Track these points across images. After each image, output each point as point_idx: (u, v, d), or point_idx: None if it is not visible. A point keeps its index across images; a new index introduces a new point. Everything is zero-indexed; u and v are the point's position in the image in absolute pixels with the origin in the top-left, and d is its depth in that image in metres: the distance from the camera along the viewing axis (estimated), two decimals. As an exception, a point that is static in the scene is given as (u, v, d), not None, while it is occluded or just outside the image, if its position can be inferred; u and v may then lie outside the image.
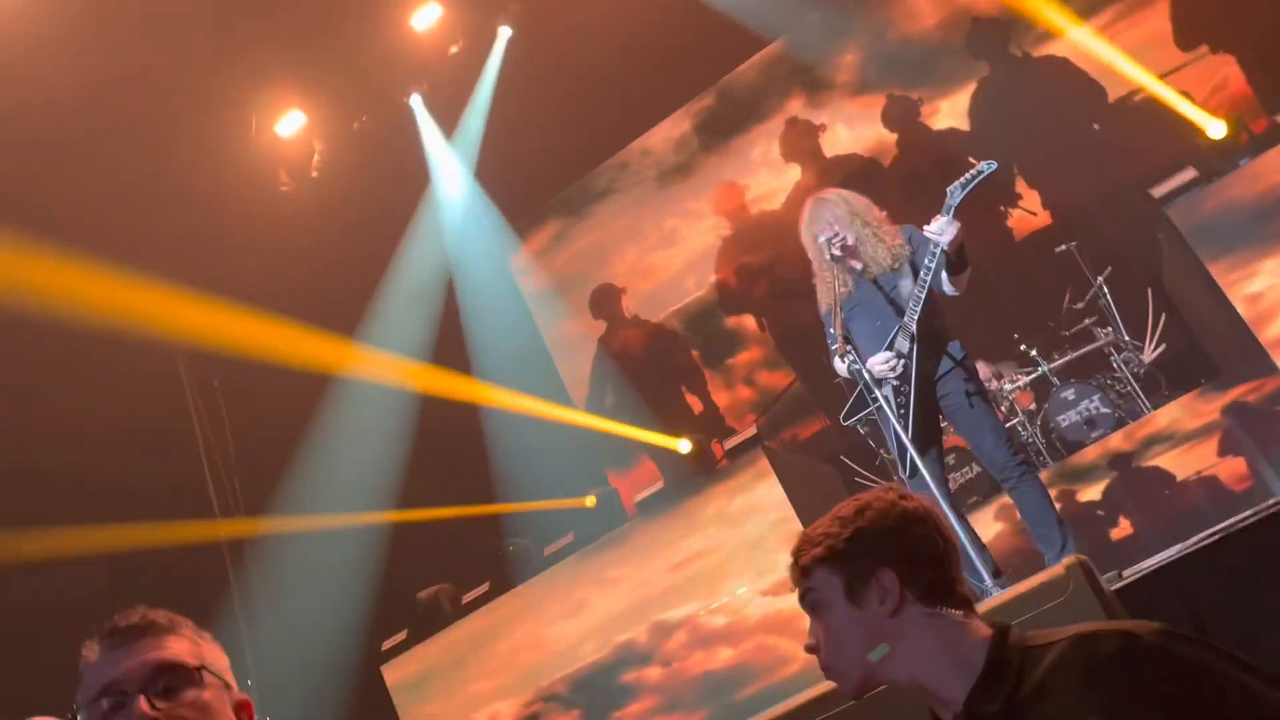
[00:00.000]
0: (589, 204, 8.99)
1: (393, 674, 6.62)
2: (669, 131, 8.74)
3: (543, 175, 8.59)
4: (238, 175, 7.47)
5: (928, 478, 3.40)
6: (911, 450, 3.47)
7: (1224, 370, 6.11)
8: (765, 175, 8.43)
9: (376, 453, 7.80)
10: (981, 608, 1.97)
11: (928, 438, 3.63)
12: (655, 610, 6.21)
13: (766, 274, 8.16)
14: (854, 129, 8.18)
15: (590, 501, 7.17)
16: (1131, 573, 2.97)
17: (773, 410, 7.93)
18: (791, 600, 5.81)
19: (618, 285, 8.79)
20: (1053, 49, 7.66)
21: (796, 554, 1.61)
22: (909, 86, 8.02)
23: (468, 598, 6.87)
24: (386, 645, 6.74)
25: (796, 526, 5.97)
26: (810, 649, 1.60)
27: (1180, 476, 5.61)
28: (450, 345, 8.20)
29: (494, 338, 8.41)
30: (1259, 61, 7.08)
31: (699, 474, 6.97)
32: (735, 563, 6.10)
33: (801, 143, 8.26)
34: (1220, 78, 7.16)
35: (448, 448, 7.95)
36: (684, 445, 7.27)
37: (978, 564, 3.34)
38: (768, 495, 6.12)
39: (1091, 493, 5.76)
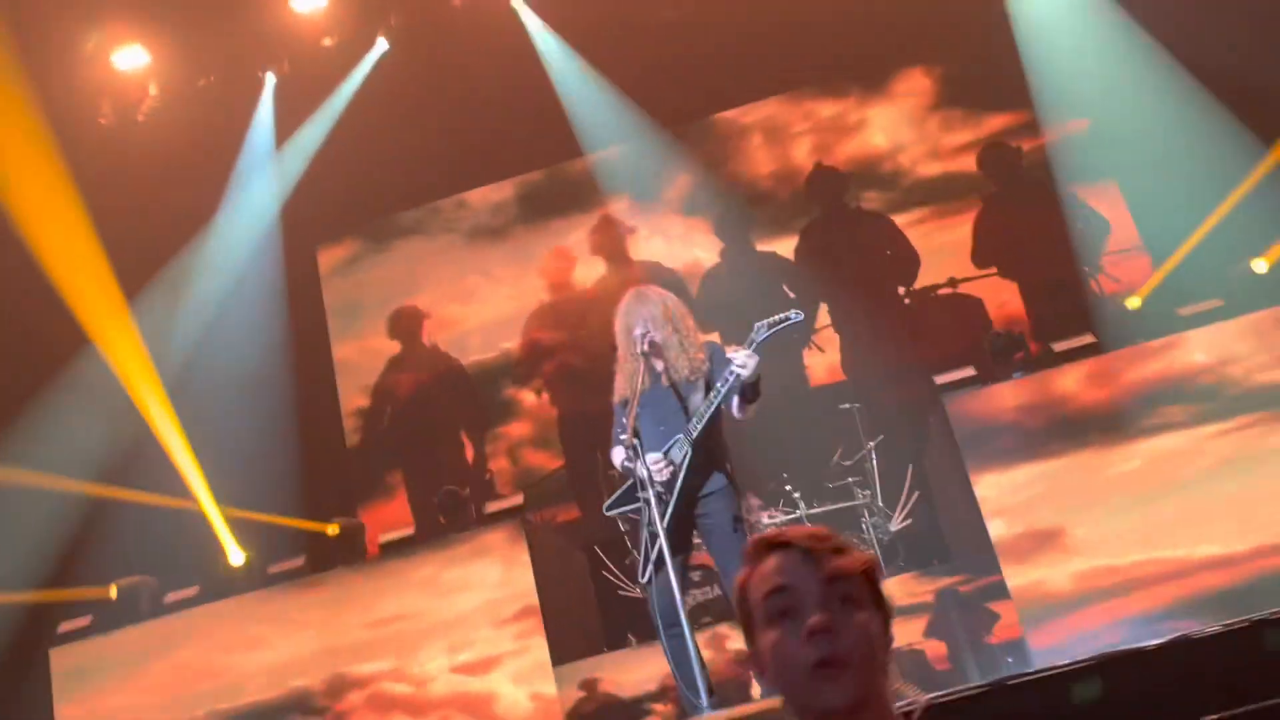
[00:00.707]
0: (392, 237, 8.88)
1: (61, 659, 6.07)
2: (491, 194, 8.82)
3: (359, 193, 8.40)
4: (57, 90, 6.93)
5: (673, 581, 3.47)
6: (660, 552, 3.54)
7: (954, 557, 6.55)
8: (577, 263, 8.59)
9: (114, 423, 7.25)
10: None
11: (675, 547, 3.68)
12: (341, 663, 6.01)
13: (561, 353, 8.24)
14: (671, 244, 8.47)
15: (332, 530, 6.86)
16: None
17: (537, 487, 7.90)
18: (481, 683, 5.81)
19: (421, 309, 8.66)
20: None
21: (838, 548, 1.47)
22: (739, 219, 8.40)
23: (171, 598, 6.41)
24: (64, 628, 6.17)
25: (503, 612, 5.98)
26: (821, 627, 1.41)
27: (912, 644, 5.93)
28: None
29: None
30: (1034, 294, 7.87)
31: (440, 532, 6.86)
32: (433, 633, 5.99)
33: (608, 240, 8.49)
34: (1004, 298, 7.90)
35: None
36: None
37: (698, 679, 3.40)
38: (482, 574, 6.10)
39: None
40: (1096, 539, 5.52)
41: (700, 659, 3.59)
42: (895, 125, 8.42)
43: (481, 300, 8.60)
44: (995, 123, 8.20)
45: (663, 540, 3.56)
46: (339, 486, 8.15)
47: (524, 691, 5.90)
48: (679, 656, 3.59)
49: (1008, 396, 6.03)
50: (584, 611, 7.02)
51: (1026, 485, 5.72)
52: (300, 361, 8.10)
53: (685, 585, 3.80)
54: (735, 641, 5.61)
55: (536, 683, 5.89)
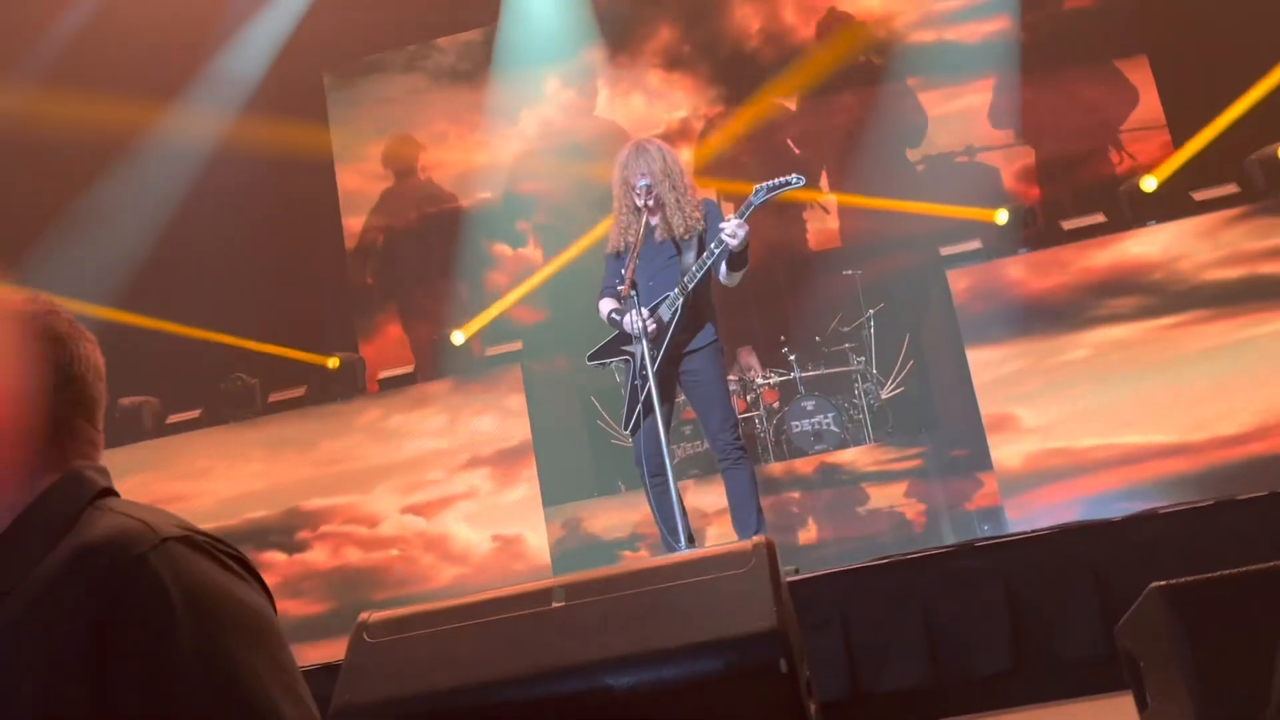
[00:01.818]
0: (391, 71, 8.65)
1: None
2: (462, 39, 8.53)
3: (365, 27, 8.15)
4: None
5: (660, 430, 3.57)
6: (644, 403, 3.63)
7: (942, 426, 6.67)
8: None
9: (126, 248, 7.29)
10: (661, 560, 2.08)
11: (660, 400, 3.75)
12: (299, 497, 6.26)
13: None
14: (652, 101, 8.25)
15: (333, 363, 6.97)
16: (807, 572, 3.22)
17: (532, 335, 7.95)
18: (433, 525, 6.06)
19: (418, 139, 8.53)
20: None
21: None
22: (728, 73, 8.16)
23: (174, 418, 6.57)
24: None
25: (456, 460, 6.19)
26: None
27: (872, 504, 6.11)
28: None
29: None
30: (1050, 165, 7.68)
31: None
32: (389, 474, 6.24)
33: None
34: (1021, 165, 7.73)
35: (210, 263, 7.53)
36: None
37: (679, 525, 3.53)
38: (480, 415, 6.26)
39: (794, 495, 6.17)
40: (1073, 419, 5.62)
41: (682, 506, 3.70)
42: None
43: (454, 146, 8.44)
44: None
45: (653, 388, 3.62)
46: (338, 321, 8.21)
47: (516, 528, 6.13)
48: (662, 503, 3.70)
49: (1010, 272, 6.03)
50: (577, 456, 7.21)
51: (1015, 360, 5.79)
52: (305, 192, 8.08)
53: (670, 436, 3.87)
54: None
55: (524, 520, 6.11)
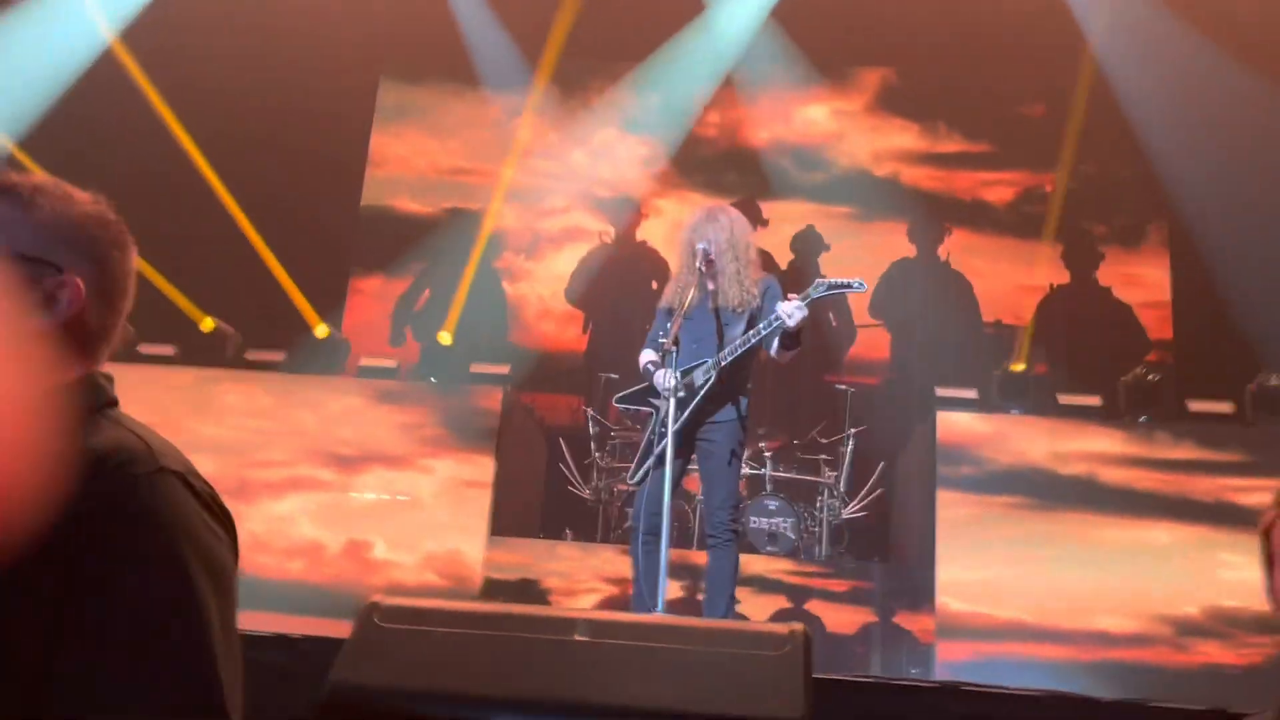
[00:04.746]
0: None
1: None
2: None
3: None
4: None
5: (665, 492, 3.54)
6: (656, 459, 3.62)
7: (893, 560, 6.70)
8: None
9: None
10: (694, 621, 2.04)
11: (673, 460, 3.73)
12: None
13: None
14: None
15: (321, 332, 6.85)
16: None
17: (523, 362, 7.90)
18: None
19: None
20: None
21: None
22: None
23: (255, 355, 6.39)
24: (144, 348, 6.14)
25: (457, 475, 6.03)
26: None
27: (810, 616, 6.10)
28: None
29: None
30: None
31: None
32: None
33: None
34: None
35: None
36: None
37: (659, 590, 3.50)
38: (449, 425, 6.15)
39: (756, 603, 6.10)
40: (1029, 591, 5.67)
41: (664, 570, 3.66)
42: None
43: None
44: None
45: (669, 447, 3.61)
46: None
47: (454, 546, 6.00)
48: (648, 562, 3.66)
49: (994, 430, 6.12)
50: (531, 494, 7.12)
51: (982, 513, 5.83)
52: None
53: (667, 494, 3.83)
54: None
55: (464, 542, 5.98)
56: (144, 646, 1.08)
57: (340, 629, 2.02)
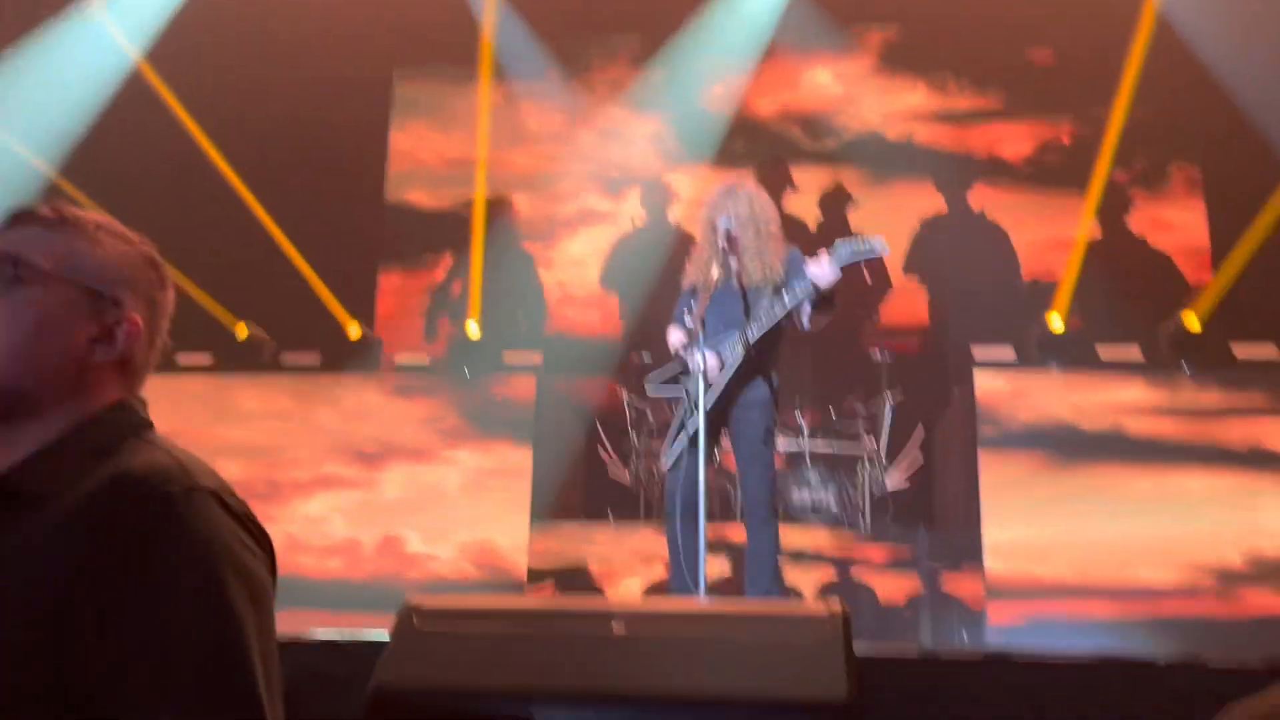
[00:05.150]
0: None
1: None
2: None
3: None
4: None
5: (700, 473, 3.53)
6: (689, 441, 3.60)
7: (939, 529, 6.64)
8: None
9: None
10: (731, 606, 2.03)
11: (706, 442, 3.72)
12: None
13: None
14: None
15: (355, 333, 6.89)
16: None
17: (559, 347, 7.91)
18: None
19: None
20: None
21: None
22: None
23: (290, 359, 6.47)
24: (183, 360, 6.22)
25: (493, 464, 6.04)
26: None
27: (859, 588, 6.08)
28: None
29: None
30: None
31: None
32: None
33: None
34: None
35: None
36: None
37: (700, 572, 3.48)
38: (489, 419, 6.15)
39: (799, 575, 6.09)
40: (1077, 549, 5.60)
41: (703, 550, 3.65)
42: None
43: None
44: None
45: (701, 429, 3.59)
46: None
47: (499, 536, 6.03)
48: (686, 544, 3.65)
49: (1036, 386, 6.03)
50: (571, 479, 7.13)
51: (1022, 478, 5.76)
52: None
53: (701, 474, 3.81)
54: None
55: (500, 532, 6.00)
56: (185, 668, 1.09)
57: (386, 623, 2.05)
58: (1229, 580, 5.41)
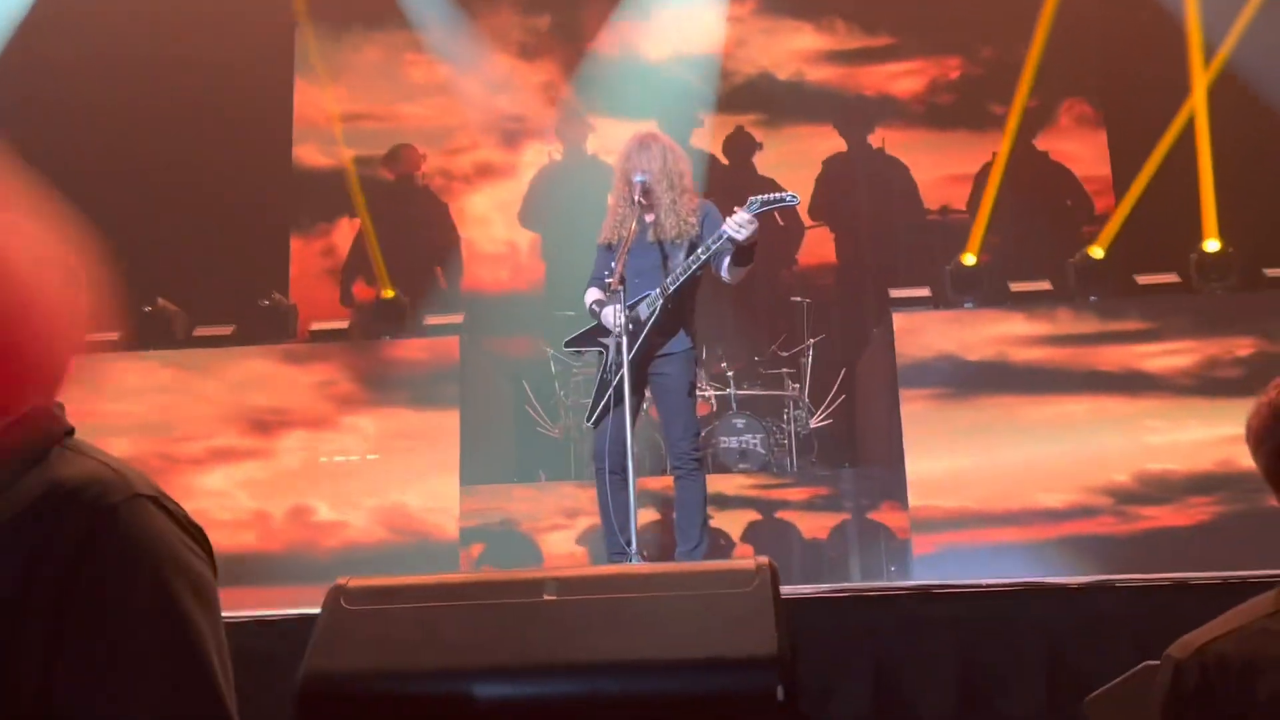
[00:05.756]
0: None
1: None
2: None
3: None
4: None
5: (627, 427, 3.54)
6: (610, 398, 3.60)
7: (863, 465, 6.79)
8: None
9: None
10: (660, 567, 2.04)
11: (630, 397, 3.72)
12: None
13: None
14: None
15: (268, 300, 6.71)
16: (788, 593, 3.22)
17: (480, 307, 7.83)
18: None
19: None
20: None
21: None
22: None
23: (203, 331, 6.27)
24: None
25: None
26: None
27: (786, 528, 6.19)
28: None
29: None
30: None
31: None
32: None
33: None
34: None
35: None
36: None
37: (631, 529, 3.50)
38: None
39: (711, 510, 6.17)
40: (992, 478, 5.78)
41: (633, 507, 3.68)
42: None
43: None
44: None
45: (626, 381, 3.60)
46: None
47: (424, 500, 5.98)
48: (616, 502, 3.67)
49: (954, 324, 6.17)
50: (501, 439, 7.11)
51: (940, 413, 5.91)
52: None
53: (626, 432, 3.83)
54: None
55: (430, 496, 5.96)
56: (145, 676, 1.08)
57: (309, 595, 2.02)
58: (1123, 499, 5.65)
